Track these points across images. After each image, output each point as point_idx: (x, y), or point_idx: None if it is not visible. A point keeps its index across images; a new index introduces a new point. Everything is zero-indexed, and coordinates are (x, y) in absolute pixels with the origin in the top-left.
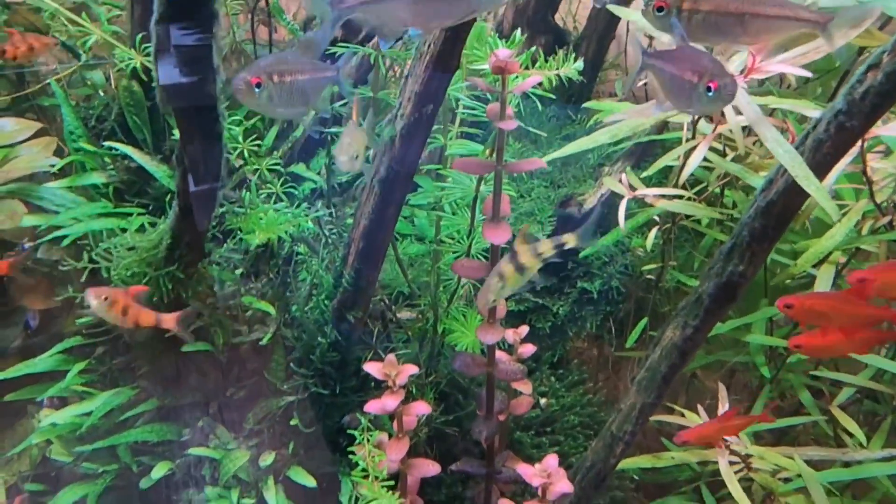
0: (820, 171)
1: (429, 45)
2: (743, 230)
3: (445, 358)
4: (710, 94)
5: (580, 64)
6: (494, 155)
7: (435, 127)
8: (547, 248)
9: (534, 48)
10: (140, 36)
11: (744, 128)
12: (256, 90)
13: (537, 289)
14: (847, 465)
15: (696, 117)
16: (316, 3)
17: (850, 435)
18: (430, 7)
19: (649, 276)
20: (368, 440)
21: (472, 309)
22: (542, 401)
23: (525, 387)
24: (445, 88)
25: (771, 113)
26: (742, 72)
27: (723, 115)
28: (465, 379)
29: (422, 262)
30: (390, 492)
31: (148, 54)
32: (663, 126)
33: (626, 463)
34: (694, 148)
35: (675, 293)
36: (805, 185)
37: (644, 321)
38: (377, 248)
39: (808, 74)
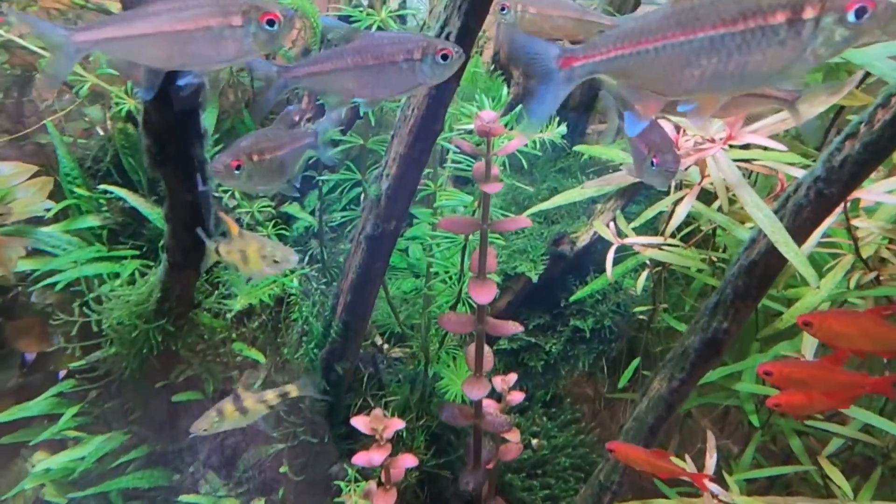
0: (800, 234)
1: (413, 109)
2: (727, 287)
3: (437, 399)
4: (654, 167)
5: (563, 129)
6: (480, 211)
7: (426, 171)
8: (271, 396)
9: (519, 107)
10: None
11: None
12: (236, 172)
13: (529, 327)
14: None
15: (685, 168)
16: (264, 70)
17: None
18: (375, 80)
19: (641, 317)
20: (354, 491)
21: (462, 352)
22: (534, 442)
23: (513, 435)
24: (429, 150)
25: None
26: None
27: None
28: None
29: (415, 302)
30: None
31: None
32: None
33: None
34: (682, 198)
35: (666, 333)
36: (784, 251)
37: (636, 361)
38: (365, 301)
39: (783, 148)
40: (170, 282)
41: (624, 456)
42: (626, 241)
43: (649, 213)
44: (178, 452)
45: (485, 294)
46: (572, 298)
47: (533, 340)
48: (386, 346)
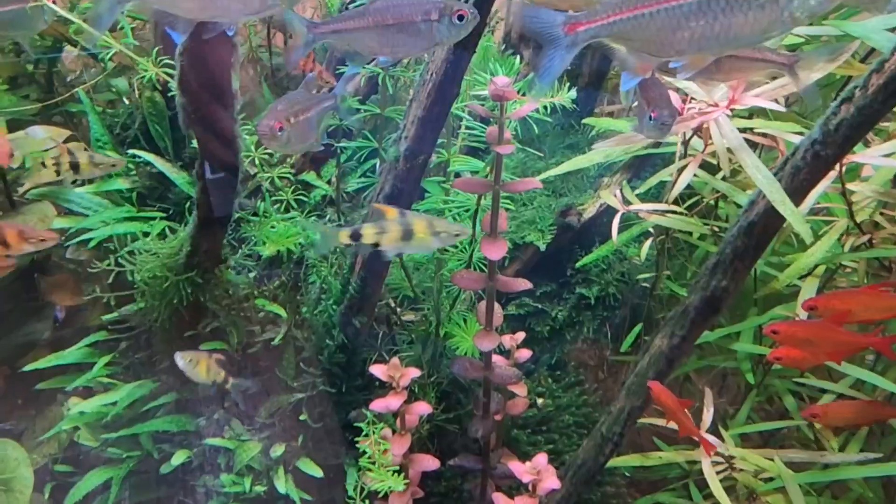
0: (797, 195)
1: (431, 74)
2: (727, 248)
3: (447, 359)
4: (652, 122)
5: (573, 93)
6: (493, 174)
7: (439, 140)
8: (222, 376)
9: (531, 75)
10: (156, 49)
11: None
12: (280, 133)
13: (536, 294)
14: (826, 467)
15: (689, 136)
16: (294, 24)
17: (834, 436)
18: (395, 39)
19: (645, 284)
20: (374, 432)
21: (472, 314)
22: (539, 401)
23: (520, 389)
24: (447, 113)
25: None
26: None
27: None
28: (466, 379)
29: (427, 267)
30: (396, 475)
31: (165, 66)
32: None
33: (617, 461)
34: (685, 166)
35: (668, 300)
36: (781, 210)
37: (639, 327)
38: (382, 261)
39: (782, 108)
40: (199, 237)
41: (657, 395)
42: (632, 207)
43: (654, 180)
44: (204, 400)
45: (496, 251)
46: (579, 264)
47: (540, 307)
48: (399, 309)
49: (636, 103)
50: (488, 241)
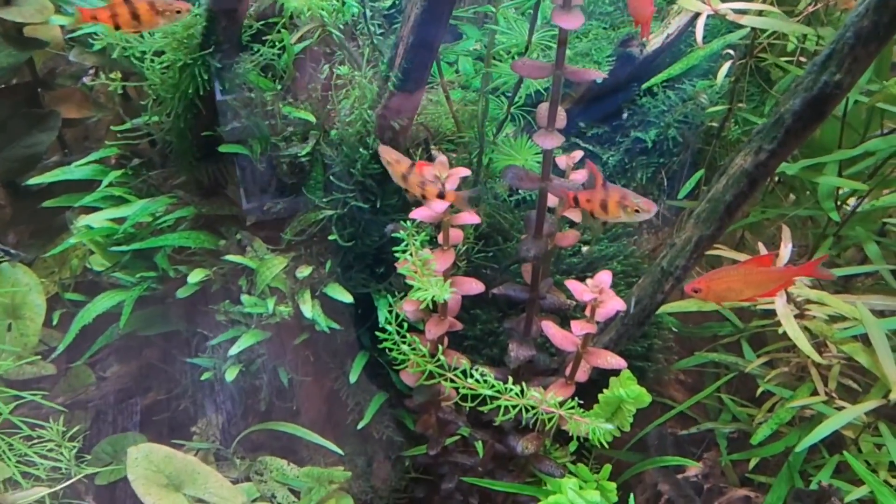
0: None
1: None
2: (847, 31)
3: (489, 196)
4: None
5: None
6: None
7: None
8: None
9: None
10: None
11: None
12: None
13: (587, 135)
14: None
15: None
16: None
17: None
18: None
19: (712, 123)
20: (415, 244)
21: (519, 141)
22: (584, 248)
23: (575, 214)
24: None
25: None
26: None
27: None
28: (507, 221)
29: (465, 107)
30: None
31: None
32: None
33: (672, 306)
34: None
35: (737, 146)
36: None
37: (700, 173)
38: (428, 45)
39: None
40: (216, 8)
41: (712, 289)
42: (720, 7)
43: None
44: (224, 219)
45: (571, 20)
46: (645, 86)
47: (590, 149)
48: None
49: None
50: (562, 12)
